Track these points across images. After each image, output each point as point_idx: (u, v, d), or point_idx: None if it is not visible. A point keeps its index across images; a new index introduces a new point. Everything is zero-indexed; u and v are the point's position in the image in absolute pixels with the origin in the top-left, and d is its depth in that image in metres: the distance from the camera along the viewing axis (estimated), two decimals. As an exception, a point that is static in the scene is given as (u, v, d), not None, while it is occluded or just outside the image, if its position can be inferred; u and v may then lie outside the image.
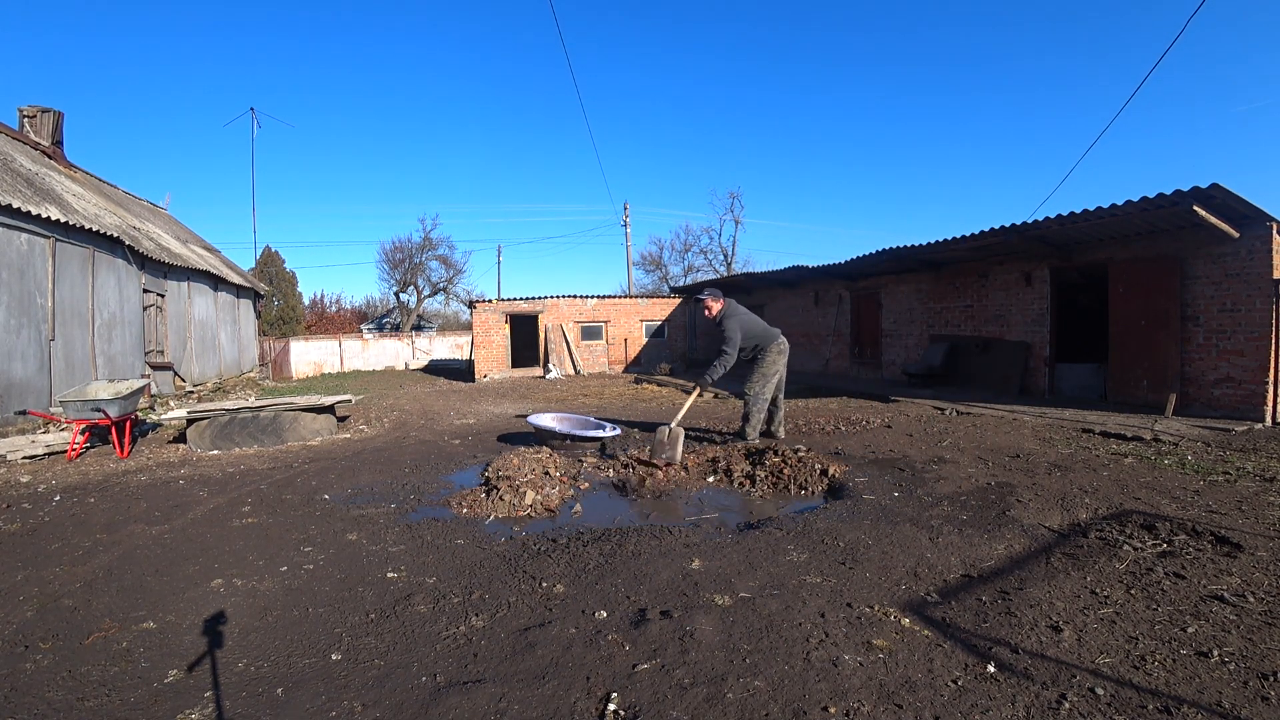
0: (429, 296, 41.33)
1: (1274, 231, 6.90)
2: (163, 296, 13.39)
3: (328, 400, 8.50)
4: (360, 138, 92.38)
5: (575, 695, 2.14)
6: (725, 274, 34.84)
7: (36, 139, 13.93)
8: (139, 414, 8.56)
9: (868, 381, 13.09)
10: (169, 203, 21.25)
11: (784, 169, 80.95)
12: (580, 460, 5.90)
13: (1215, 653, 2.25)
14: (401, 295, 39.92)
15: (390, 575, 3.34)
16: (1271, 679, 2.07)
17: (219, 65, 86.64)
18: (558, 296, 19.03)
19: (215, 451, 7.25)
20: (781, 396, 6.83)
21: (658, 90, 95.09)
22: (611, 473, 5.55)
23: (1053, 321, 9.79)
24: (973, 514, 3.98)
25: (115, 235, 11.02)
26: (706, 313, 6.81)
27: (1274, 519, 3.64)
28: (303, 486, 5.39)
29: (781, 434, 6.83)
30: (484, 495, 4.73)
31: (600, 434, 6.71)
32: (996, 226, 8.87)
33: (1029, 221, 8.36)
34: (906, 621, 2.60)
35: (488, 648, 2.52)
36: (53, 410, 8.45)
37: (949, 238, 9.84)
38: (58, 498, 5.20)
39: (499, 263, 78.59)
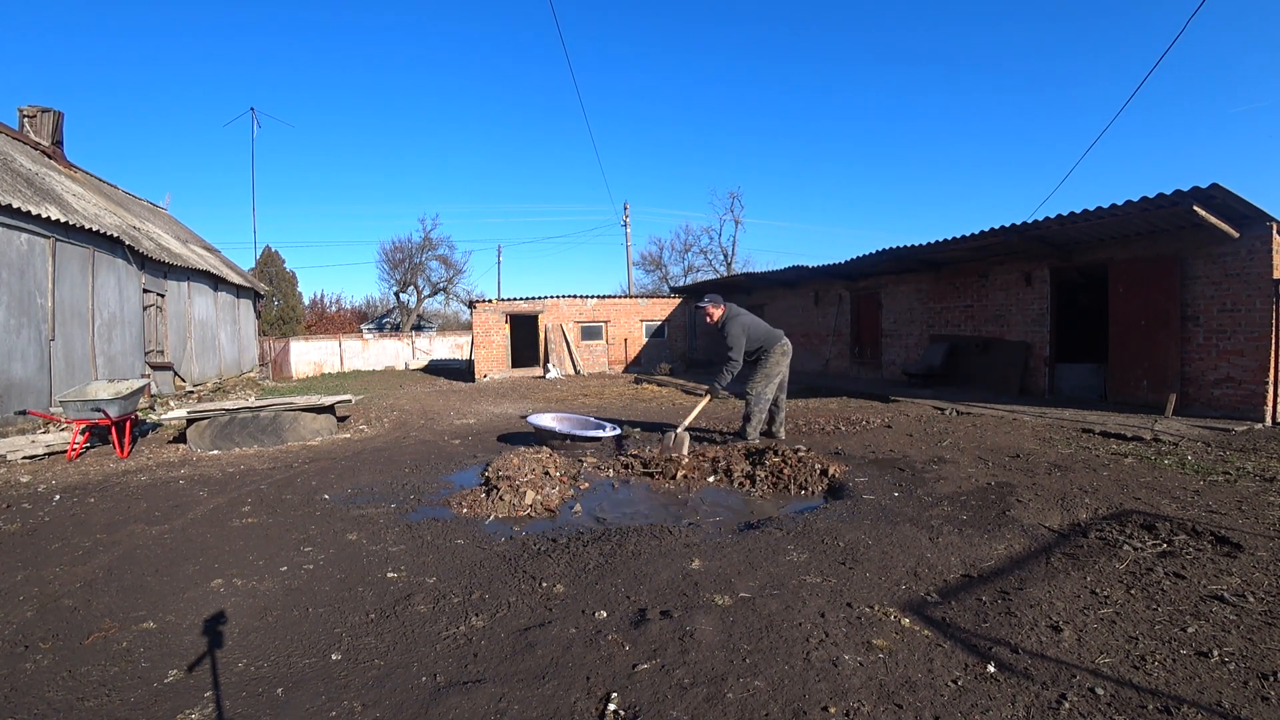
0: (429, 296, 41.37)
1: (1274, 231, 6.90)
2: (163, 296, 13.39)
3: (328, 400, 8.50)
4: (360, 138, 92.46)
5: (575, 695, 2.14)
6: (725, 274, 34.85)
7: (36, 139, 13.93)
8: (139, 414, 8.56)
9: (868, 381, 13.09)
10: (169, 203, 21.27)
11: (784, 169, 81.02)
12: (580, 460, 5.91)
13: (1215, 653, 2.25)
14: (401, 295, 39.93)
15: (390, 575, 3.34)
16: (1271, 679, 2.07)
17: (219, 65, 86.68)
18: (558, 296, 19.04)
19: (215, 451, 7.25)
20: (784, 397, 6.83)
21: (658, 90, 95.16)
22: (612, 472, 5.55)
23: (1053, 321, 9.79)
24: (973, 514, 3.98)
25: (115, 235, 11.02)
26: (708, 319, 6.80)
27: (1274, 519, 3.64)
28: (303, 486, 5.39)
29: (782, 434, 6.83)
30: (484, 495, 4.74)
31: (600, 434, 6.71)
32: (996, 226, 8.87)
33: (1029, 221, 8.36)
34: (906, 621, 2.60)
35: (488, 648, 2.52)
36: (53, 410, 8.45)
37: (949, 238, 9.84)
38: (58, 498, 5.20)
39: (499, 263, 78.72)
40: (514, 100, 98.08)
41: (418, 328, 38.30)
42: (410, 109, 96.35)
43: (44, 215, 9.09)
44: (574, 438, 6.60)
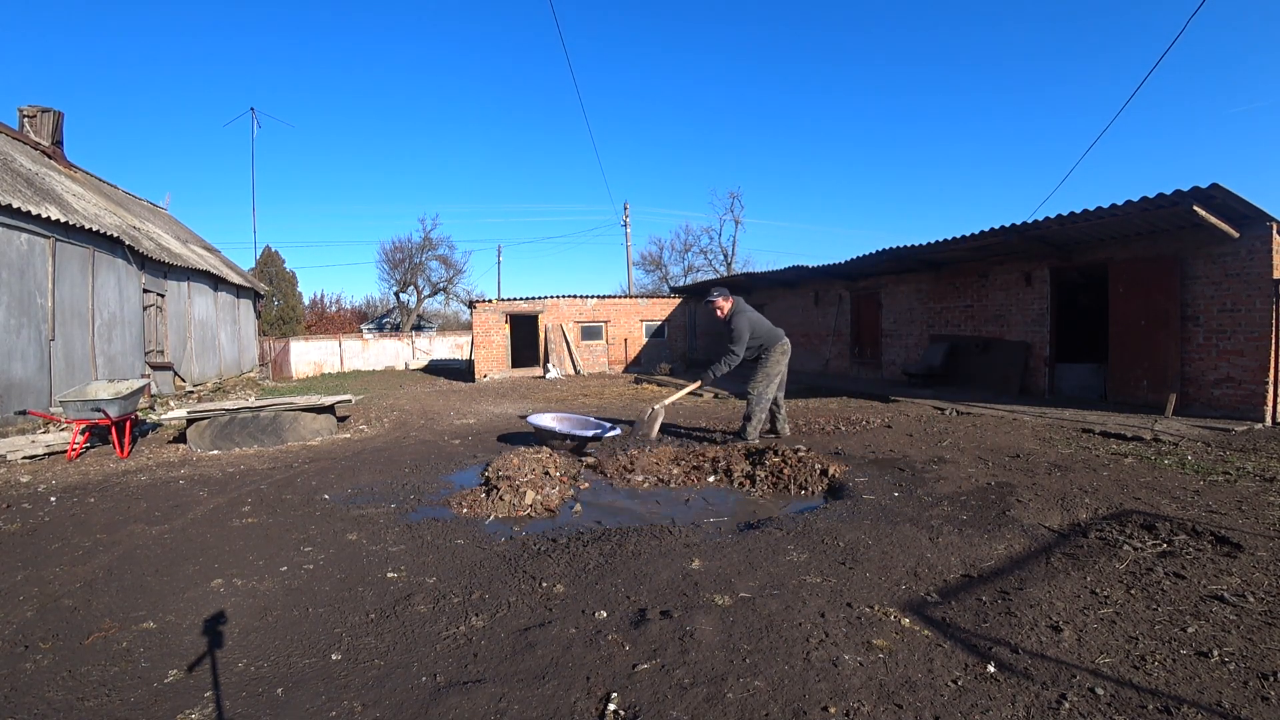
0: (429, 296, 41.38)
1: (1274, 231, 6.90)
2: (163, 296, 13.39)
3: (328, 400, 8.50)
4: (360, 138, 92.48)
5: (575, 695, 2.14)
6: (725, 274, 34.84)
7: (36, 139, 13.93)
8: (139, 414, 8.56)
9: (868, 381, 13.09)
10: (169, 203, 21.27)
11: (784, 169, 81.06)
12: (580, 460, 5.91)
13: (1215, 653, 2.25)
14: (401, 295, 39.93)
15: (390, 575, 3.34)
16: (1271, 679, 2.07)
17: (219, 65, 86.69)
18: (558, 296, 19.03)
19: (215, 451, 7.25)
20: (782, 396, 6.84)
21: (658, 90, 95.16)
22: (610, 471, 5.55)
23: (1053, 321, 9.79)
24: (973, 514, 3.98)
25: (115, 235, 11.02)
26: (717, 312, 6.80)
27: (1274, 519, 3.64)
28: (303, 486, 5.39)
29: (787, 431, 6.85)
30: (484, 495, 4.74)
31: (600, 434, 6.71)
32: (996, 226, 8.87)
33: (1029, 221, 8.36)
34: (906, 621, 2.60)
35: (488, 648, 2.52)
36: (53, 410, 8.45)
37: (949, 238, 9.84)
38: (57, 498, 5.20)
39: (499, 263, 78.68)
40: (514, 100, 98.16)
41: (418, 328, 38.30)
42: (410, 109, 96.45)
43: (44, 215, 9.08)
44: (574, 438, 6.59)
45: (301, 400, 8.40)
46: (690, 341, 20.81)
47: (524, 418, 8.47)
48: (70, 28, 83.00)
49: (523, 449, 6.10)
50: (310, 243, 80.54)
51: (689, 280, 37.68)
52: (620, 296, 21.14)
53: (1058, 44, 77.78)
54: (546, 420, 7.07)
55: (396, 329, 37.77)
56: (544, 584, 3.12)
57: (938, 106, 79.12)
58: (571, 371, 18.66)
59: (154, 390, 12.10)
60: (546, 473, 5.17)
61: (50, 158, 13.93)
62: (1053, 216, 7.93)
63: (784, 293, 17.53)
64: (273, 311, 31.43)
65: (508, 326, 18.54)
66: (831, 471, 5.12)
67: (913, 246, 10.66)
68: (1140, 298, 8.29)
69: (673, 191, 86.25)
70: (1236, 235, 7.05)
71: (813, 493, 4.86)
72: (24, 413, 8.16)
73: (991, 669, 2.21)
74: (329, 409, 8.37)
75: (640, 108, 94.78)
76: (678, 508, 4.63)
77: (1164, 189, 6.86)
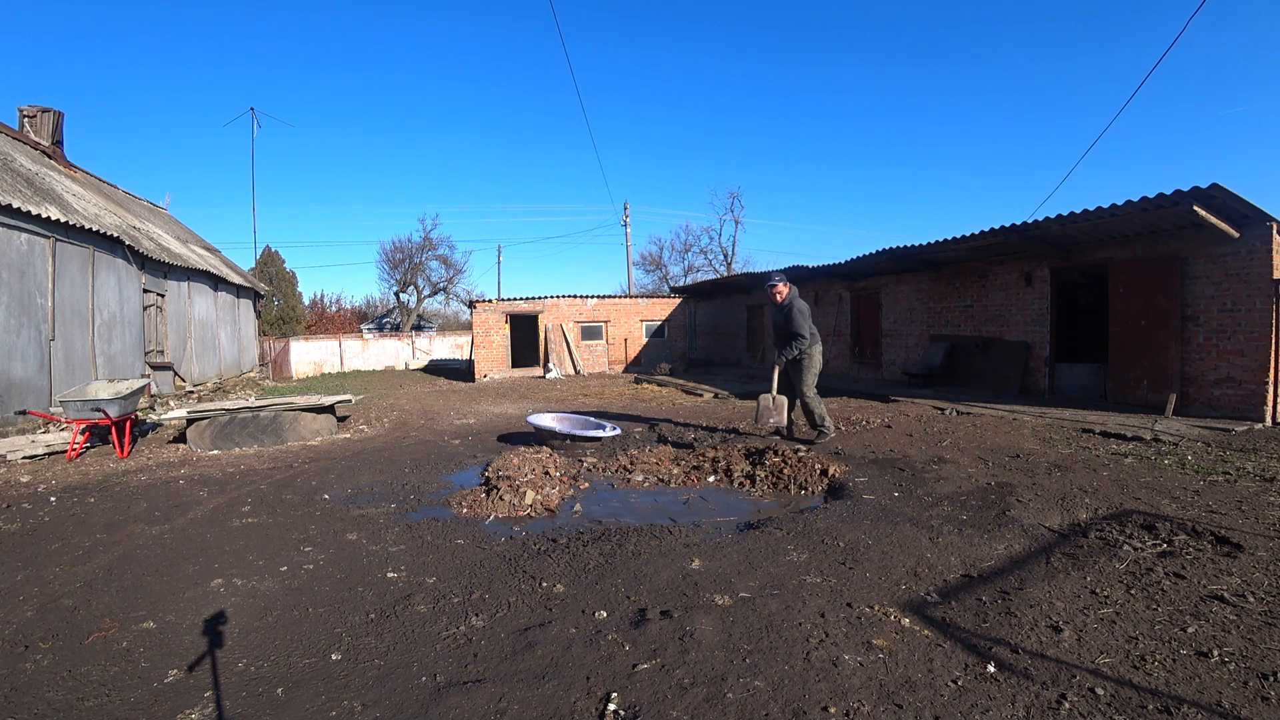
0: (429, 296, 41.37)
1: (1274, 231, 6.90)
2: (163, 296, 13.39)
3: (328, 400, 8.50)
4: (360, 138, 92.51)
5: (575, 695, 2.14)
6: (725, 274, 34.85)
7: (36, 139, 13.93)
8: (139, 414, 8.56)
9: (868, 381, 13.09)
10: (169, 203, 21.27)
11: (784, 169, 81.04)
12: (580, 460, 5.91)
13: (1215, 653, 2.25)
14: (401, 295, 39.93)
15: (390, 575, 3.34)
16: (1271, 679, 2.07)
17: (219, 65, 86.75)
18: (558, 296, 19.03)
19: (215, 451, 7.25)
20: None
21: (658, 90, 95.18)
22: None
23: (1053, 321, 9.78)
24: (973, 514, 3.98)
25: (115, 235, 11.02)
26: (776, 297, 6.72)
27: (1274, 519, 3.64)
28: (303, 486, 5.39)
29: (832, 433, 6.65)
30: (484, 495, 4.74)
31: (600, 434, 6.71)
32: (996, 226, 8.86)
33: (1029, 221, 8.36)
34: (906, 621, 2.60)
35: (488, 648, 2.52)
36: (53, 410, 8.45)
37: (949, 238, 9.84)
38: (57, 498, 5.20)
39: (499, 263, 78.82)
40: (514, 100, 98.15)
41: (418, 328, 38.30)
42: (410, 109, 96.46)
43: (44, 215, 9.08)
44: (574, 438, 6.59)
45: (301, 400, 8.40)
46: (690, 341, 20.82)
47: (525, 418, 8.47)
48: (70, 28, 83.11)
49: (523, 449, 6.10)
50: (310, 243, 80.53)
51: (689, 280, 37.69)
52: (620, 296, 21.14)
53: (1058, 44, 77.85)
54: (546, 420, 7.07)
55: (396, 329, 37.77)
56: (544, 584, 3.12)
57: (938, 106, 79.19)
58: (571, 371, 18.66)
59: (154, 390, 12.10)
60: (546, 473, 5.17)
61: (50, 158, 13.93)
62: (1053, 216, 7.93)
63: (784, 293, 17.50)
64: (273, 311, 31.42)
65: (508, 326, 18.55)
66: (831, 471, 5.12)
67: (913, 246, 10.65)
68: (1140, 298, 8.29)
69: (673, 191, 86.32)
70: (1237, 235, 7.05)
71: (813, 493, 4.86)
72: (24, 413, 8.16)
73: (991, 669, 2.21)
74: (329, 409, 8.37)
75: (640, 108, 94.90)
76: (678, 508, 4.63)
77: (1164, 189, 6.86)
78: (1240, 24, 74.69)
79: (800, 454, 5.47)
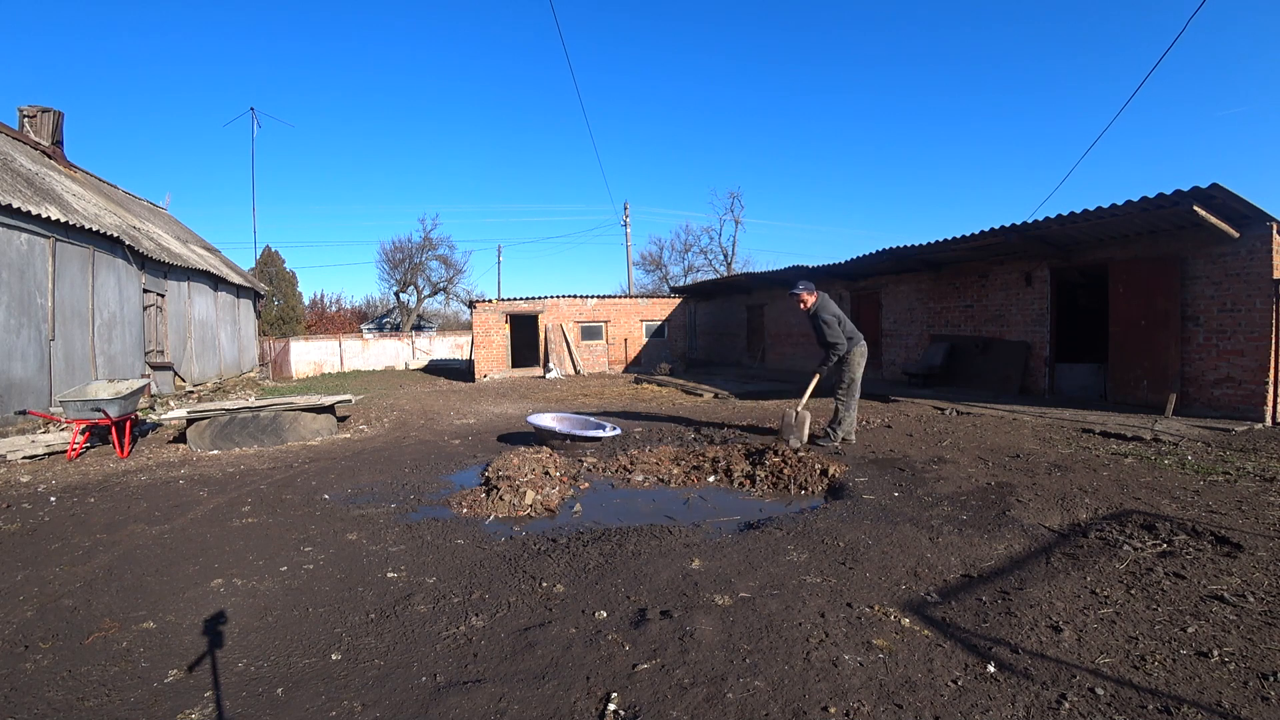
0: (429, 296, 41.38)
1: (1274, 231, 6.90)
2: (163, 296, 13.38)
3: (328, 400, 8.50)
4: (360, 138, 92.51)
5: (575, 695, 2.14)
6: (725, 274, 34.84)
7: (36, 139, 13.93)
8: (139, 414, 8.56)
9: (868, 381, 13.00)
10: (169, 203, 21.27)
11: (784, 169, 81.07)
12: (580, 460, 5.91)
13: (1215, 653, 2.25)
14: (401, 295, 39.92)
15: (390, 575, 3.34)
16: (1271, 679, 2.07)
17: (219, 65, 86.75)
18: (558, 296, 19.03)
19: (215, 451, 7.25)
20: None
21: (658, 90, 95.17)
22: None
23: (1053, 321, 9.78)
24: (973, 514, 3.98)
25: (115, 235, 11.02)
26: (800, 305, 6.56)
27: (1274, 519, 3.64)
28: (303, 486, 5.39)
29: (853, 439, 6.46)
30: (484, 495, 4.74)
31: (600, 434, 6.71)
32: (996, 226, 8.87)
33: (1029, 221, 8.36)
34: (906, 621, 2.60)
35: (488, 648, 2.51)
36: (53, 410, 8.45)
37: (949, 238, 9.84)
38: (57, 498, 5.20)
39: (499, 263, 78.84)
40: (514, 100, 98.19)
41: (418, 328, 38.30)
42: (410, 109, 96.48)
43: (44, 215, 9.08)
44: (574, 438, 6.59)
45: (301, 400, 8.40)
46: (690, 341, 20.81)
47: (525, 418, 8.47)
48: (70, 28, 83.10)
49: (523, 449, 6.10)
50: (310, 243, 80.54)
51: (689, 280, 37.69)
52: (620, 296, 21.14)
53: (1058, 44, 77.84)
54: (546, 420, 7.07)
55: (396, 329, 37.77)
56: (544, 584, 3.12)
57: (938, 107, 79.20)
58: (571, 371, 18.66)
59: (154, 390, 12.10)
60: (546, 473, 5.17)
61: (50, 158, 13.93)
62: (1053, 216, 7.94)
63: (784, 292, 17.50)
64: (273, 311, 31.42)
65: (508, 326, 18.54)
66: (831, 471, 5.12)
67: (913, 246, 10.66)
68: (1140, 298, 8.29)
69: (673, 191, 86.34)
70: (1236, 235, 7.05)
71: (813, 493, 4.86)
72: (24, 413, 8.16)
73: (991, 669, 2.21)
74: (329, 409, 8.37)
75: (640, 108, 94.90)
76: (678, 508, 4.63)
77: (1164, 189, 6.87)
78: (1240, 24, 74.72)
79: (800, 454, 5.47)
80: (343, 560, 3.59)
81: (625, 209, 30.01)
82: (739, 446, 6.02)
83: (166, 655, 2.54)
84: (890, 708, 2.00)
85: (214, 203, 77.55)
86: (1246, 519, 3.66)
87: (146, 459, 6.89)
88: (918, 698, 2.05)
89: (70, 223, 9.65)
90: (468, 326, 25.83)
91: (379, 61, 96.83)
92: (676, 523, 4.12)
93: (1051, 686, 2.09)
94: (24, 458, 6.83)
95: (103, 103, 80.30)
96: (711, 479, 5.33)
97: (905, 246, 10.83)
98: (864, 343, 6.57)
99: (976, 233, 9.20)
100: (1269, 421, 6.85)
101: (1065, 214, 7.80)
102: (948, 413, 8.25)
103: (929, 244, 10.25)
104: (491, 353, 18.26)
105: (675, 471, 5.50)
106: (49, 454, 7.03)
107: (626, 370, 19.33)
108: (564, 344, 18.82)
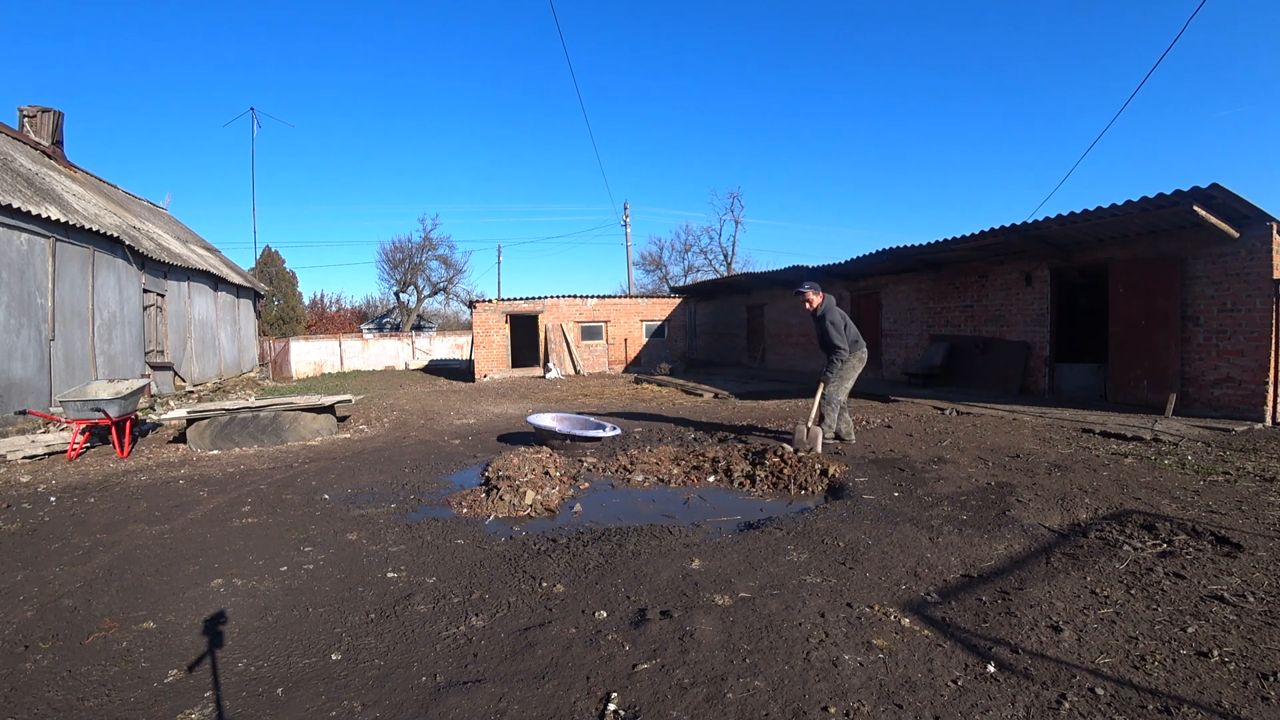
0: (429, 296, 41.38)
1: (1274, 231, 6.90)
2: (163, 296, 13.38)
3: (328, 400, 8.50)
4: (360, 138, 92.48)
5: (575, 695, 2.14)
6: (725, 274, 34.85)
7: (36, 139, 13.93)
8: (139, 414, 8.56)
9: (868, 381, 13.07)
10: (169, 203, 21.27)
11: (784, 169, 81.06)
12: (580, 460, 5.91)
13: (1215, 653, 2.25)
14: (401, 295, 39.92)
15: (390, 575, 3.34)
16: (1271, 679, 2.07)
17: (219, 65, 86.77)
18: (558, 296, 19.03)
19: (215, 451, 7.25)
20: (848, 401, 6.59)
21: (658, 90, 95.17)
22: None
23: (1053, 321, 9.78)
24: (973, 514, 3.98)
25: (115, 235, 11.02)
26: (806, 305, 6.54)
27: (1274, 519, 3.64)
28: (303, 486, 5.39)
29: (853, 439, 6.45)
30: (484, 495, 4.74)
31: (600, 434, 6.71)
32: (996, 226, 8.87)
33: (1029, 221, 8.36)
34: (906, 621, 2.60)
35: (488, 648, 2.51)
36: (53, 410, 8.45)
37: (949, 238, 9.84)
38: (57, 498, 5.20)
39: (499, 263, 78.86)
40: (514, 100, 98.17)
41: (418, 328, 38.30)
42: (410, 109, 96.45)
43: (44, 215, 9.08)
44: (574, 438, 6.59)
45: (301, 400, 8.40)
46: (690, 341, 20.81)
47: (525, 418, 8.47)
48: (70, 28, 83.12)
49: (523, 449, 6.10)
50: (310, 243, 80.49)
51: (689, 280, 37.69)
52: (620, 296, 21.14)
53: (1058, 45, 77.85)
54: (546, 420, 7.07)
55: (396, 329, 37.77)
56: (544, 584, 3.12)
57: (938, 107, 79.20)
58: (571, 371, 18.66)
59: (154, 390, 12.10)
60: (546, 473, 5.17)
61: (50, 158, 13.93)
62: (1053, 216, 7.94)
63: (784, 293, 17.51)
64: (273, 311, 31.41)
65: (508, 326, 18.55)
66: (831, 471, 5.12)
67: (913, 246, 10.66)
68: (1140, 298, 8.29)
69: (673, 191, 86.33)
70: (1237, 235, 7.05)
71: (813, 493, 4.86)
72: (24, 413, 8.16)
73: (991, 669, 2.21)
74: (329, 409, 8.37)
75: (640, 108, 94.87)
76: (678, 508, 4.63)
77: (1164, 189, 6.87)
78: (1240, 24, 74.72)
79: (800, 454, 5.47)
80: (343, 560, 3.59)
81: (625, 209, 30.03)
82: (739, 446, 6.02)
83: (166, 655, 2.54)
84: (890, 708, 2.00)
85: (214, 203, 77.63)
86: (1246, 519, 3.66)
87: (146, 459, 6.89)
88: (918, 698, 2.05)
89: (70, 223, 9.65)
90: (468, 326, 25.83)
91: (379, 62, 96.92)
92: (676, 523, 4.12)
93: (1051, 686, 2.09)
94: (24, 458, 6.83)
95: (103, 103, 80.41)
96: (711, 479, 5.33)
97: (905, 246, 10.84)
98: (865, 349, 6.54)
99: (976, 233, 9.21)
100: (1269, 421, 6.85)
101: (1065, 214, 7.80)
102: (948, 413, 8.25)
103: (929, 244, 10.25)
104: (491, 353, 18.26)
105: (675, 471, 5.50)
106: (49, 454, 7.03)
107: (626, 370, 19.33)
108: (564, 344, 18.82)
